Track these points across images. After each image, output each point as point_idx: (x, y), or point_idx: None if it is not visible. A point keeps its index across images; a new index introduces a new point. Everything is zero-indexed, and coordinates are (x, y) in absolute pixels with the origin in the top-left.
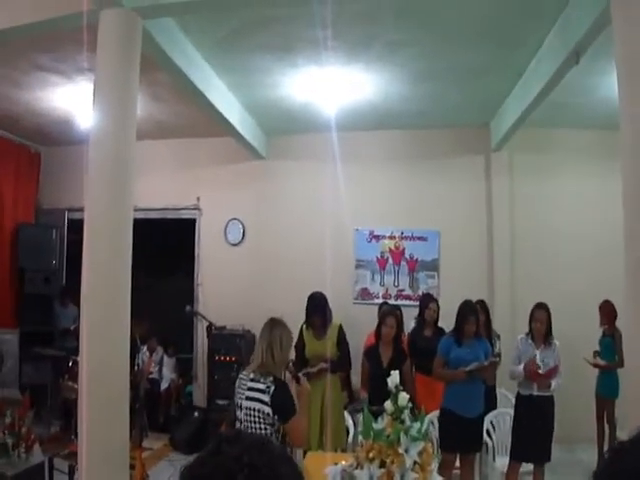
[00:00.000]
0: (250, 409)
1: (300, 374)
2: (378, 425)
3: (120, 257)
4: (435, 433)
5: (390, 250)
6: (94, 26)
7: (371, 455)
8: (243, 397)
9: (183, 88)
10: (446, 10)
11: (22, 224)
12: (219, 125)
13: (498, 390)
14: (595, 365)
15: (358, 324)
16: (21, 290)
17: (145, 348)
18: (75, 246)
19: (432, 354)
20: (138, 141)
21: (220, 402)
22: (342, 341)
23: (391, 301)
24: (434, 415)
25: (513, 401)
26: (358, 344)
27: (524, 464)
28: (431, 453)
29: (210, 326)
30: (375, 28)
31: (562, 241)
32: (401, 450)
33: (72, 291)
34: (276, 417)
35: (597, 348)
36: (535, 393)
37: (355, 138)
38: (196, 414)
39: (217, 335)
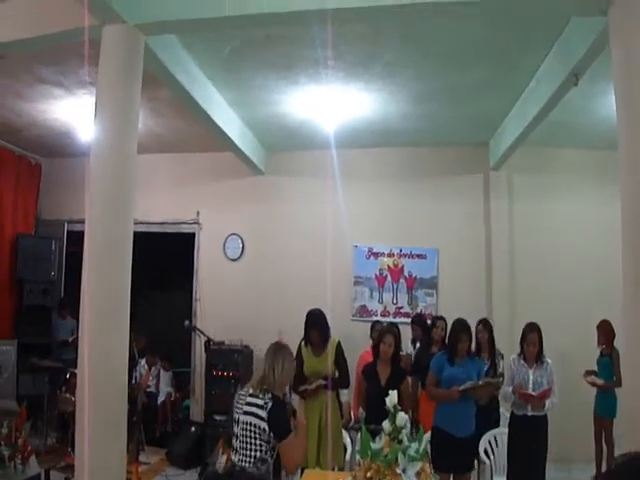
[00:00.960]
0: (247, 423)
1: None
2: (376, 445)
3: (120, 270)
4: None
5: (389, 267)
6: (97, 41)
7: (369, 475)
8: (241, 412)
9: (184, 104)
10: (444, 32)
11: (21, 235)
12: (219, 140)
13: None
14: (593, 384)
15: (356, 341)
16: (19, 301)
17: (143, 361)
18: (74, 258)
19: None
20: (138, 155)
21: (217, 417)
22: (341, 358)
23: (389, 318)
24: None
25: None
26: (354, 362)
27: None
28: (429, 473)
29: (208, 341)
30: (375, 49)
31: (561, 259)
32: (399, 470)
33: (70, 303)
34: (272, 434)
35: (594, 365)
36: (529, 413)
37: (354, 155)
38: (193, 429)
39: (215, 350)
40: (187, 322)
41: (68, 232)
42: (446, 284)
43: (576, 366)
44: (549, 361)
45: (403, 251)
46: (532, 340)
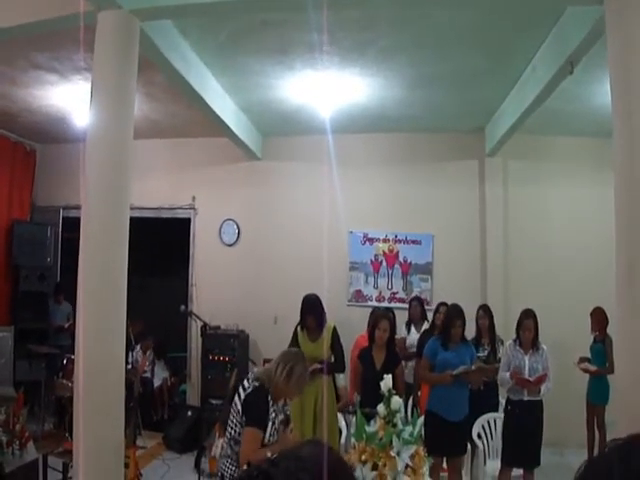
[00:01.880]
0: (234, 403)
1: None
2: (371, 428)
3: (116, 255)
4: None
5: (384, 253)
6: (92, 26)
7: (364, 458)
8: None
9: (180, 89)
10: (440, 18)
11: (17, 221)
12: (215, 125)
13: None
14: (585, 370)
15: (351, 326)
16: (15, 287)
17: (139, 347)
18: (70, 243)
19: None
20: (134, 140)
21: (213, 401)
22: (337, 342)
23: (384, 304)
24: None
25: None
26: (350, 346)
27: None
28: (423, 456)
29: (204, 326)
30: (370, 34)
31: (555, 246)
32: (393, 453)
33: (66, 288)
34: (244, 418)
35: (588, 352)
36: (525, 398)
37: (350, 141)
38: (189, 413)
39: (211, 335)
40: (183, 307)
41: (64, 218)
42: (441, 269)
43: (569, 351)
44: (544, 347)
45: (398, 237)
46: (528, 326)
